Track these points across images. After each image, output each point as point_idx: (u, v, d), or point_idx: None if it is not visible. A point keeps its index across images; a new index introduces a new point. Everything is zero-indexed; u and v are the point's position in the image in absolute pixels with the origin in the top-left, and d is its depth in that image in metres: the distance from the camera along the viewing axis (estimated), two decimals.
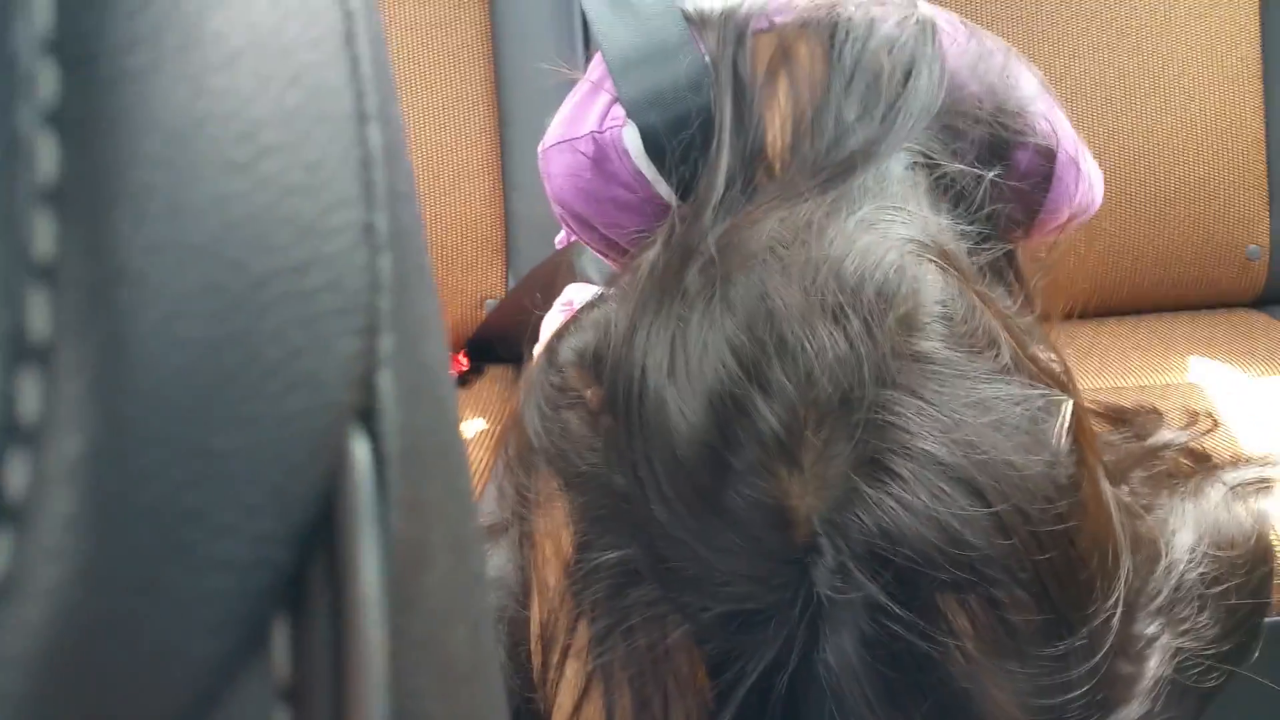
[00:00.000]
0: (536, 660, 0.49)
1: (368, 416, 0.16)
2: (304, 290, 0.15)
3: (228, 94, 0.15)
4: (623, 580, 0.43)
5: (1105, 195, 0.69)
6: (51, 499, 0.13)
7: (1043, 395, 0.43)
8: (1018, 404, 0.43)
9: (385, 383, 0.16)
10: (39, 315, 0.13)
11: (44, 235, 0.13)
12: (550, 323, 0.79)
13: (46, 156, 0.13)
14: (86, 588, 0.13)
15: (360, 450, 0.16)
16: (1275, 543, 0.61)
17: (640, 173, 0.59)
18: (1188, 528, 0.54)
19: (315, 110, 0.16)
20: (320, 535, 0.15)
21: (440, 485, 0.18)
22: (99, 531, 0.13)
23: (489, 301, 1.20)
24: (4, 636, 0.13)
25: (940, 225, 0.51)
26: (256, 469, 0.14)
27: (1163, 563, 0.51)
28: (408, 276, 0.17)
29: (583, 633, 0.46)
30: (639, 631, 0.43)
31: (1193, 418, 0.69)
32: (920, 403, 0.41)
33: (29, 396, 0.13)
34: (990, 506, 0.40)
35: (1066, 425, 0.43)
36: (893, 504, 0.40)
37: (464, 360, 1.18)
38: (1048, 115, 0.61)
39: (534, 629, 0.51)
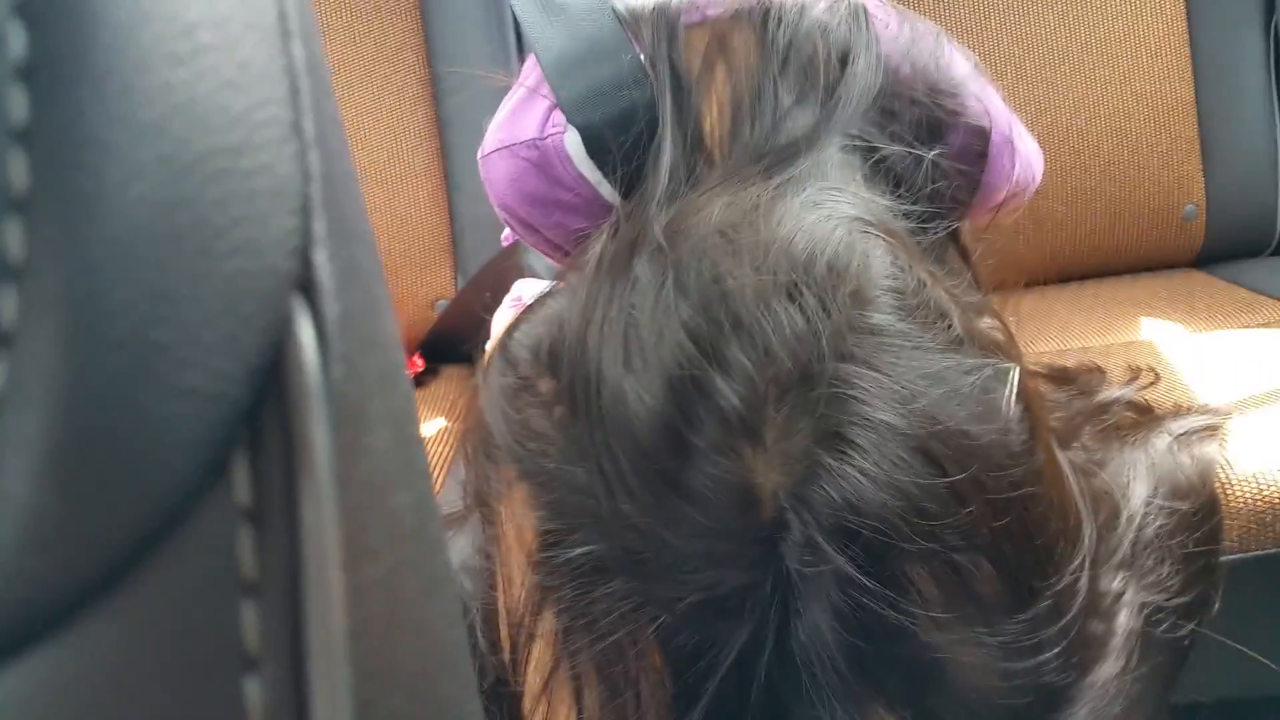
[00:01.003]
0: (505, 642, 0.50)
1: (307, 287, 0.18)
2: (241, 169, 0.17)
3: None
4: (590, 576, 0.43)
5: (1044, 159, 0.70)
6: (38, 326, 0.15)
7: (991, 365, 0.44)
8: (969, 374, 0.43)
9: (319, 259, 0.18)
10: (18, 170, 0.16)
11: (19, 105, 0.16)
12: (501, 319, 0.78)
13: (17, 40, 0.16)
14: (72, 403, 0.15)
15: (302, 313, 0.18)
16: (1220, 489, 0.63)
17: (583, 176, 0.60)
18: (1141, 479, 0.55)
19: (243, 18, 0.18)
20: (272, 379, 0.18)
21: (375, 367, 0.20)
22: (79, 356, 0.16)
23: (440, 302, 1.20)
24: (6, 444, 0.15)
25: (882, 205, 0.52)
26: (211, 314, 0.17)
27: (1122, 516, 0.52)
28: (335, 179, 0.19)
29: (549, 619, 0.46)
30: (607, 626, 0.43)
31: (1135, 373, 0.71)
32: (877, 375, 0.42)
33: (14, 240, 0.16)
34: (948, 475, 0.41)
35: (1015, 392, 0.44)
36: (856, 475, 0.40)
37: (419, 361, 1.17)
38: (980, 95, 0.62)
39: (501, 612, 0.51)
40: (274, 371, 0.17)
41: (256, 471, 0.17)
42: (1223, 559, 0.60)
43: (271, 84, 0.18)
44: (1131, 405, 0.65)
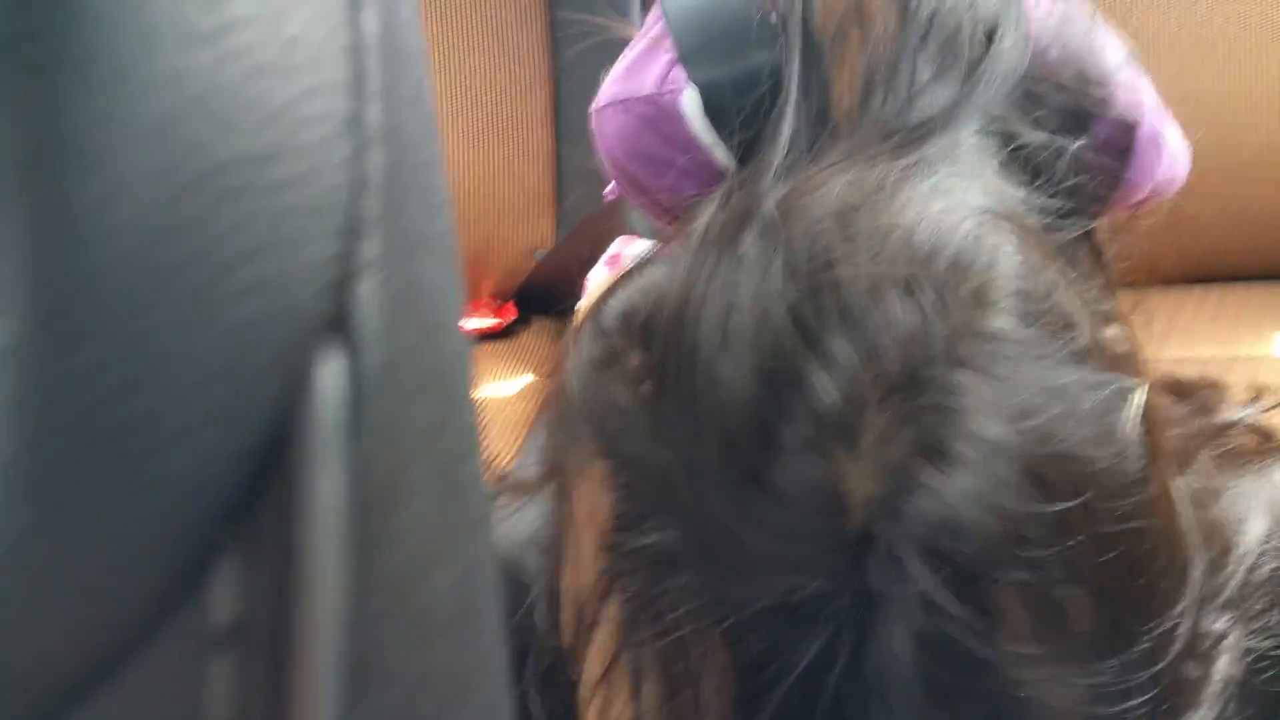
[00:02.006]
0: (569, 625, 0.48)
1: (342, 328, 0.14)
2: (270, 182, 0.13)
3: None
4: (660, 566, 0.42)
5: (1188, 157, 0.66)
6: None
7: (1116, 382, 0.41)
8: (1091, 390, 0.40)
9: (366, 292, 0.14)
10: None
11: None
12: (597, 277, 0.77)
13: None
14: (6, 495, 0.12)
15: (331, 366, 0.14)
16: None
17: (697, 138, 0.57)
18: (1259, 514, 0.52)
19: None
20: (277, 460, 0.14)
21: (427, 415, 0.16)
22: (25, 430, 0.12)
23: (538, 252, 1.19)
24: None
25: (1017, 197, 0.48)
26: (204, 378, 0.13)
27: (1234, 553, 0.48)
28: (404, 181, 0.15)
29: (614, 605, 0.45)
30: (674, 621, 0.41)
31: (1259, 392, 0.67)
32: (991, 384, 0.39)
33: None
34: (1057, 501, 0.38)
35: (1138, 415, 0.41)
36: (956, 493, 0.38)
37: (513, 310, 1.17)
38: (1131, 86, 0.58)
39: (566, 594, 0.49)
40: (281, 448, 0.14)
41: (243, 583, 0.14)
42: None
43: (327, 67, 0.14)
44: (1254, 429, 0.61)
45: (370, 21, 0.15)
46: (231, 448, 0.13)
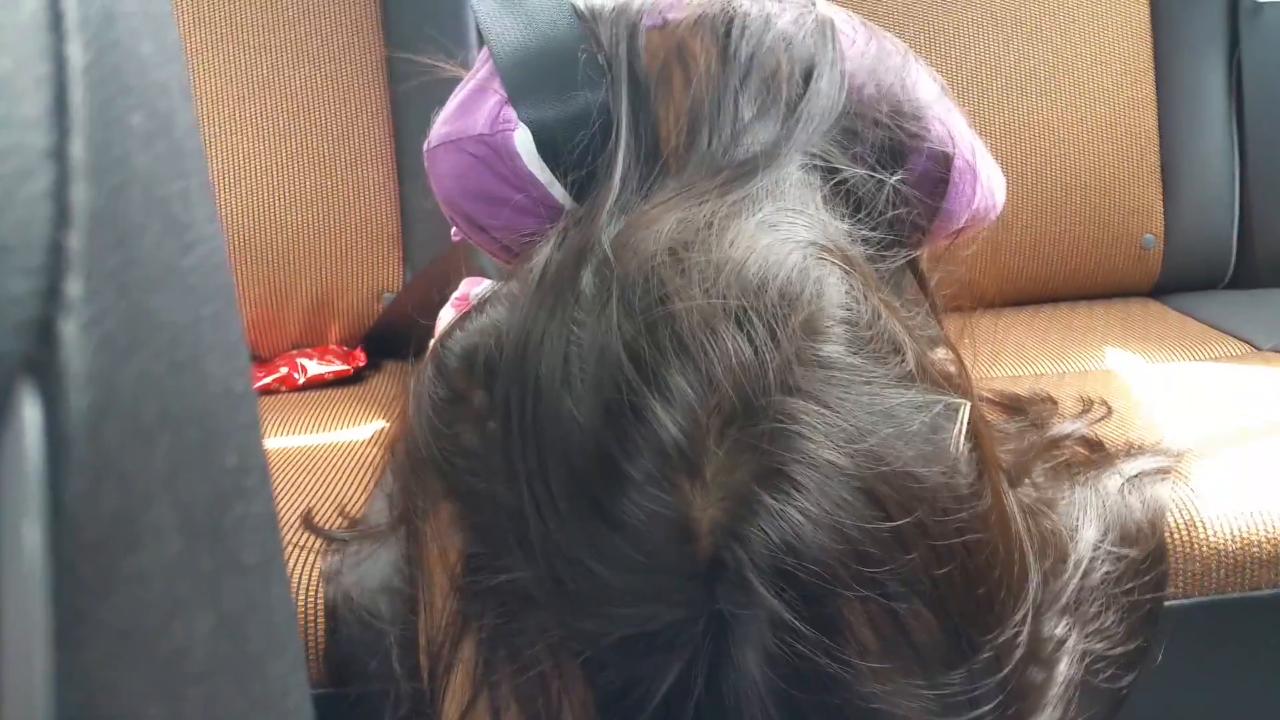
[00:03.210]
0: (423, 670, 0.47)
1: (42, 368, 0.13)
2: None
3: None
4: (514, 604, 0.41)
5: (1005, 188, 0.69)
6: None
7: (943, 401, 0.42)
8: (919, 411, 0.41)
9: (69, 331, 0.14)
10: None
11: None
12: (445, 318, 0.76)
13: None
14: None
15: (31, 408, 0.13)
16: (1169, 535, 0.62)
17: (533, 175, 0.57)
18: (1091, 522, 0.54)
19: None
20: None
21: (170, 457, 0.15)
22: None
23: (386, 295, 1.17)
24: None
25: (840, 230, 0.50)
26: None
27: (1070, 560, 0.50)
28: (128, 216, 0.15)
29: (470, 647, 0.44)
30: (530, 658, 0.41)
31: (1088, 405, 0.70)
32: (824, 410, 0.40)
33: None
34: (892, 519, 0.39)
35: (964, 430, 0.43)
36: (797, 515, 0.38)
37: (361, 356, 1.14)
38: (945, 119, 0.60)
39: (421, 639, 0.48)
40: None
41: None
42: (1170, 605, 0.59)
43: (17, 99, 0.13)
44: (1084, 441, 0.64)
45: (75, 53, 0.14)
46: None
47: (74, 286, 0.14)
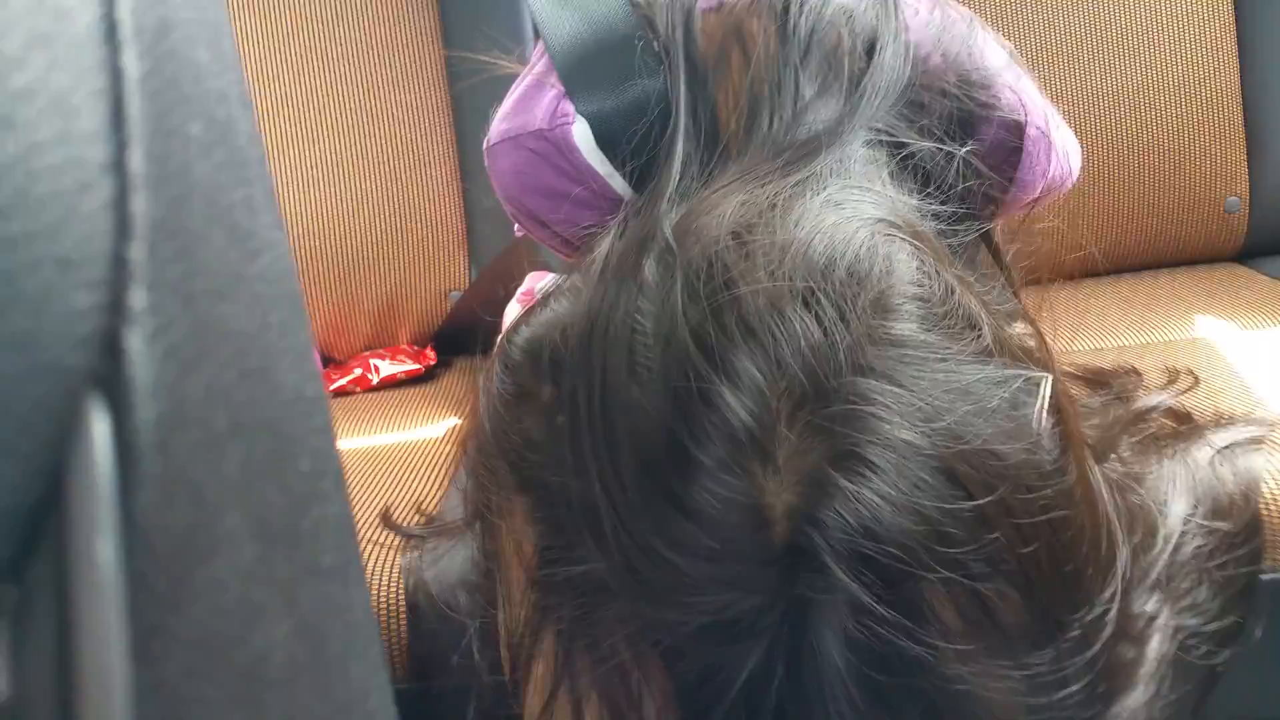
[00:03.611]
0: (505, 662, 0.47)
1: (108, 382, 0.13)
2: (2, 237, 0.12)
3: None
4: (591, 595, 0.41)
5: (1081, 151, 0.67)
6: None
7: (1022, 376, 0.41)
8: (998, 387, 0.40)
9: (134, 343, 0.14)
10: None
11: None
12: (512, 314, 0.76)
13: None
14: None
15: (99, 422, 0.13)
16: (1265, 507, 0.60)
17: (592, 168, 0.57)
18: (1180, 495, 0.53)
19: (32, 26, 0.13)
20: (46, 522, 0.13)
21: (241, 465, 0.15)
22: None
23: (453, 294, 1.18)
24: None
25: (909, 205, 0.49)
26: None
27: (1159, 535, 0.49)
28: (190, 226, 0.15)
29: (549, 639, 0.44)
30: (609, 648, 0.41)
31: (1174, 376, 0.68)
32: (898, 390, 0.39)
33: None
34: (973, 499, 0.38)
35: (1046, 404, 0.41)
36: (873, 497, 0.38)
37: (431, 354, 1.15)
38: (1015, 87, 0.58)
39: (500, 632, 0.49)
40: (49, 509, 0.13)
41: (19, 651, 0.13)
42: (1267, 579, 0.57)
43: (71, 114, 0.13)
44: (1171, 413, 0.62)
45: (131, 64, 0.14)
46: None
47: (138, 298, 0.14)
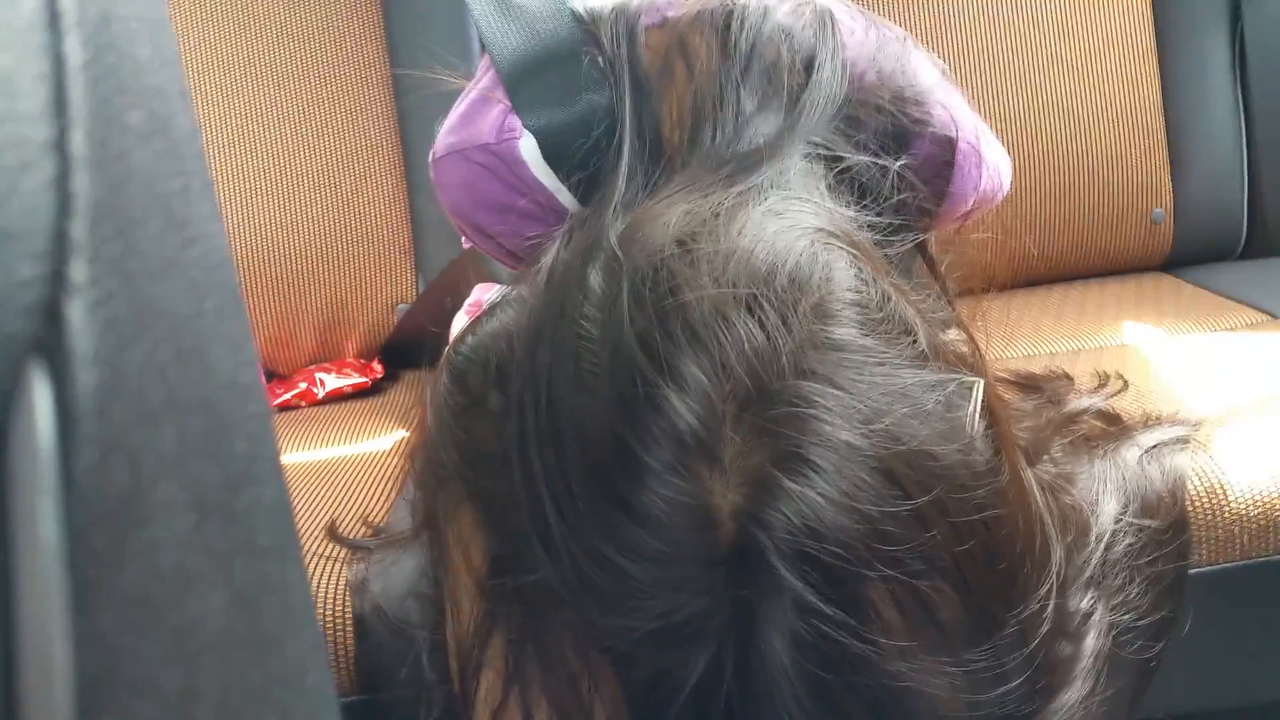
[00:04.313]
0: (454, 672, 0.48)
1: (50, 349, 0.14)
2: None
3: None
4: (540, 603, 0.41)
5: (1012, 166, 0.69)
6: None
7: (956, 380, 0.43)
8: (933, 390, 0.42)
9: (75, 314, 0.14)
10: None
11: None
12: (459, 325, 0.76)
13: None
14: None
15: (41, 386, 0.14)
16: (1190, 504, 0.62)
17: (540, 182, 0.58)
18: (1111, 494, 0.54)
19: None
20: None
21: (175, 441, 0.16)
22: None
23: (400, 306, 1.18)
24: None
25: (846, 216, 0.50)
26: None
27: (1092, 534, 0.51)
28: (131, 207, 0.15)
29: (498, 647, 0.44)
30: (559, 656, 0.41)
31: (1103, 379, 0.70)
32: (838, 392, 0.40)
33: None
34: (911, 498, 0.39)
35: (979, 408, 0.43)
36: (815, 497, 0.38)
37: (378, 368, 1.15)
38: (947, 103, 0.60)
39: (450, 642, 0.49)
40: None
41: None
42: (1194, 573, 0.59)
43: (18, 94, 0.14)
44: (1101, 415, 0.64)
45: (73, 50, 0.15)
46: None
47: (78, 271, 0.14)
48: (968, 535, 0.40)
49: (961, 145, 0.60)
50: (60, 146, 0.14)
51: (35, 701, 0.13)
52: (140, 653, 0.15)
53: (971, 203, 0.63)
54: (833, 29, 0.57)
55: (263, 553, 0.17)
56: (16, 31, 0.14)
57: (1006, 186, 0.68)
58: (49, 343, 0.14)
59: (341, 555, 0.63)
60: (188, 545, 0.16)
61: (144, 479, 0.15)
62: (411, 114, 1.17)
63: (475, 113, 0.60)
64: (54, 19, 0.15)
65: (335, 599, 0.61)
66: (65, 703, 0.13)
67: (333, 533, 0.64)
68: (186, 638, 0.15)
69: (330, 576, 0.62)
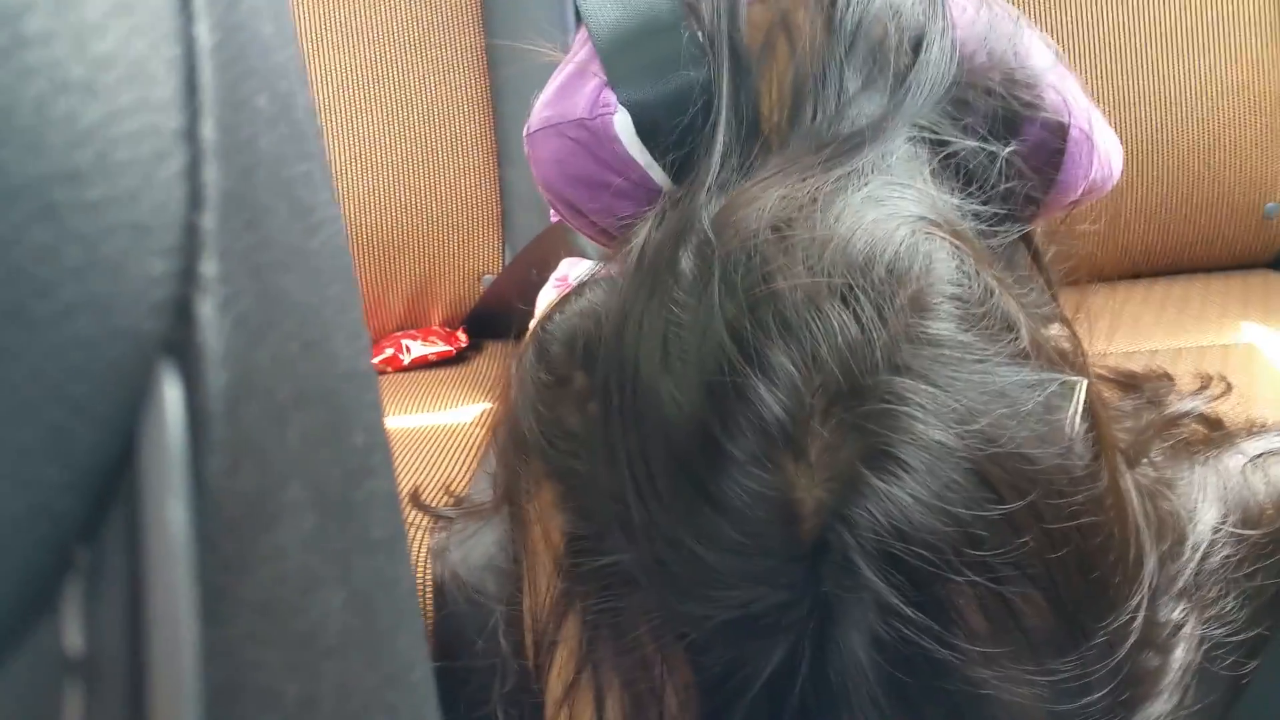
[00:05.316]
0: (529, 646, 0.48)
1: (180, 348, 0.14)
2: (83, 202, 0.13)
3: None
4: (617, 585, 0.41)
5: (1122, 157, 0.67)
6: None
7: (1057, 380, 0.41)
8: (1032, 390, 0.40)
9: (206, 311, 0.14)
10: None
11: None
12: (545, 299, 0.77)
13: None
14: None
15: (171, 386, 0.14)
16: None
17: (633, 158, 0.57)
18: (1211, 502, 0.52)
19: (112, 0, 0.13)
20: (119, 484, 0.13)
21: (301, 437, 0.15)
22: None
23: (486, 277, 1.19)
24: None
25: (950, 204, 0.48)
26: (28, 404, 0.12)
27: (1188, 543, 0.49)
28: (257, 197, 0.15)
29: (573, 626, 0.44)
30: (633, 639, 0.41)
31: (1205, 381, 0.67)
32: (933, 390, 0.39)
33: None
34: (1004, 502, 0.38)
35: (1080, 409, 0.41)
36: (904, 497, 0.38)
37: (463, 337, 1.16)
38: (1059, 87, 0.58)
39: (526, 617, 0.49)
40: (125, 470, 0.13)
41: (92, 608, 0.13)
42: None
43: (148, 82, 0.13)
44: (1203, 419, 0.62)
45: (204, 34, 0.14)
46: (66, 472, 0.13)
47: (209, 267, 0.14)
48: (1061, 542, 0.39)
49: (1074, 132, 0.58)
50: (191, 135, 0.14)
51: (164, 714, 0.13)
52: (264, 663, 0.14)
53: (1080, 191, 0.61)
54: (943, 7, 0.56)
55: (377, 547, 0.17)
56: (150, 15, 0.14)
57: (1117, 175, 0.65)
58: (179, 342, 0.14)
59: (424, 522, 0.64)
60: (310, 546, 0.15)
61: (272, 480, 0.15)
62: (506, 85, 1.17)
63: (571, 87, 0.60)
64: (185, 1, 0.14)
65: (417, 566, 0.62)
66: (193, 716, 0.13)
67: (416, 500, 0.65)
68: (308, 645, 0.15)
69: (412, 544, 0.63)
